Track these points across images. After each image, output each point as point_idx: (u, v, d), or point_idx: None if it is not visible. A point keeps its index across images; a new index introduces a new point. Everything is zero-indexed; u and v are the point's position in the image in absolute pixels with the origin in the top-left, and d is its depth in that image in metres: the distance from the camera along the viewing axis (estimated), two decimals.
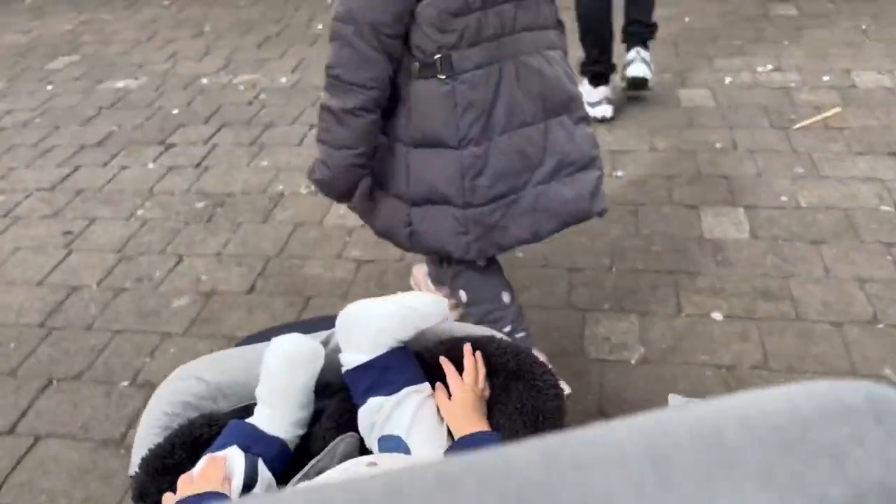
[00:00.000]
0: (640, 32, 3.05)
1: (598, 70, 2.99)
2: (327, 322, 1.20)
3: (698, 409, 0.24)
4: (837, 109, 2.88)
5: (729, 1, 4.06)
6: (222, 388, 1.16)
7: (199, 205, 2.61)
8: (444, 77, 1.41)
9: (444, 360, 1.14)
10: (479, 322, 1.65)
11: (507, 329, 1.65)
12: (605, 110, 2.97)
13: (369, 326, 1.11)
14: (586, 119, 1.61)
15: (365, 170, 1.51)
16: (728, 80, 3.20)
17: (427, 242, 1.57)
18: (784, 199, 2.41)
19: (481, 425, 1.04)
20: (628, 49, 3.07)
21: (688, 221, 2.33)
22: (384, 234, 1.63)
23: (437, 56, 1.40)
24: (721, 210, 2.38)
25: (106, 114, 3.34)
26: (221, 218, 2.53)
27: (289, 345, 1.12)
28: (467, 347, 1.14)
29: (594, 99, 2.97)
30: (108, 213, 2.60)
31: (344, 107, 1.41)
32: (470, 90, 1.42)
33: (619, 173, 2.62)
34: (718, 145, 2.72)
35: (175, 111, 3.30)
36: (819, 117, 2.84)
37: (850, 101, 2.93)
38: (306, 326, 1.23)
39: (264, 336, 1.24)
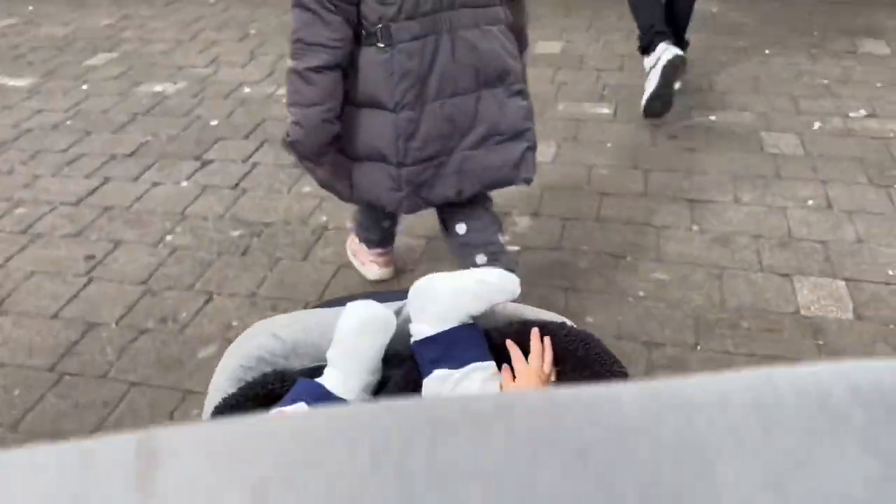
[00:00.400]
0: (676, 43, 3.00)
1: (655, 31, 2.90)
2: (401, 294, 1.24)
3: (806, 369, 0.24)
4: None
5: (811, 33, 3.76)
6: (297, 346, 1.18)
7: (235, 233, 2.38)
8: (383, 45, 1.54)
9: (510, 343, 1.14)
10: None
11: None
12: (670, 51, 2.84)
13: (441, 299, 1.14)
14: (522, 93, 1.69)
15: (334, 126, 1.59)
16: (817, 125, 2.91)
17: (365, 195, 1.71)
18: (891, 272, 2.12)
19: None
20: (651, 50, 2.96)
21: (781, 293, 2.06)
22: (327, 186, 1.77)
23: (378, 26, 1.52)
24: (819, 282, 2.09)
25: (141, 121, 3.14)
26: (258, 251, 2.30)
27: (363, 311, 1.13)
28: (535, 331, 1.14)
29: (652, 62, 2.89)
30: (134, 237, 2.38)
31: (309, 66, 1.51)
32: (406, 59, 1.54)
33: (697, 227, 2.34)
34: (811, 202, 2.44)
35: (214, 122, 3.09)
36: None
37: None
38: (380, 296, 1.25)
39: (340, 302, 1.25)
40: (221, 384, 1.14)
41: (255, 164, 2.76)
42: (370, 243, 2.10)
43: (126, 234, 2.40)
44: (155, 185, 2.67)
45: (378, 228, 2.04)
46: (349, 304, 1.16)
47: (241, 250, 2.30)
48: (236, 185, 2.64)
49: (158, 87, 3.44)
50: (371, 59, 1.55)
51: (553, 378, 1.11)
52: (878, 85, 3.21)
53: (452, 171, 1.66)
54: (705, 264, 2.19)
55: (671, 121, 2.96)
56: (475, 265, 1.77)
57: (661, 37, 2.89)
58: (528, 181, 1.75)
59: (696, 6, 3.51)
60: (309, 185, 2.63)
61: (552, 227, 2.37)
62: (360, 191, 1.70)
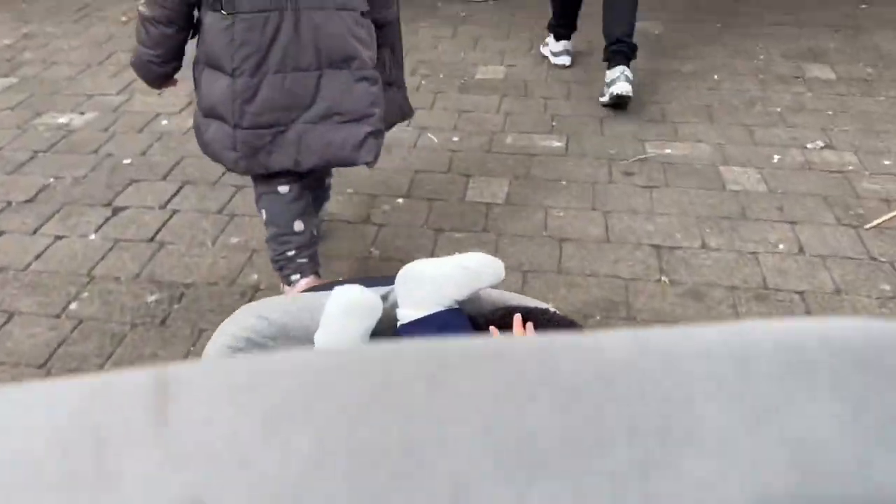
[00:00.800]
0: (624, 52, 3.07)
1: (560, 31, 3.49)
2: (387, 279, 1.26)
3: (782, 324, 0.25)
4: None
5: (757, 57, 3.68)
6: (285, 329, 1.20)
7: (151, 298, 2.08)
8: (226, 13, 1.65)
9: (493, 330, 1.16)
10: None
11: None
12: (565, 60, 3.52)
13: (427, 284, 1.17)
14: (369, 79, 1.77)
15: (162, 68, 1.77)
16: (776, 157, 2.79)
17: (211, 150, 1.82)
18: None
19: None
20: (611, 67, 3.06)
21: None
22: (195, 131, 1.89)
23: None
24: None
25: (41, 159, 2.78)
26: (179, 320, 2.00)
27: (350, 294, 1.16)
28: (517, 318, 1.16)
29: (557, 49, 3.54)
30: (32, 306, 2.05)
31: (146, 15, 1.68)
32: (247, 29, 1.65)
33: (667, 279, 2.16)
34: (782, 246, 2.30)
35: (127, 161, 2.76)
36: (892, 214, 2.44)
37: None
38: (367, 282, 1.27)
39: (327, 287, 1.28)
40: None
41: (174, 212, 2.45)
42: (290, 265, 1.90)
43: (22, 302, 2.06)
44: (57, 238, 2.33)
45: (292, 235, 1.90)
46: (337, 288, 1.18)
47: (159, 319, 2.00)
48: (153, 237, 2.33)
49: (63, 119, 3.07)
50: (214, 23, 1.66)
51: None
52: (829, 113, 3.13)
53: (292, 141, 1.76)
54: (681, 322, 2.01)
55: (626, 155, 2.80)
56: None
57: (569, 32, 3.51)
58: (368, 164, 1.86)
59: (641, 27, 3.48)
60: (237, 236, 2.34)
61: (512, 281, 2.15)
62: (208, 145, 1.82)
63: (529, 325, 1.16)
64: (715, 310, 2.04)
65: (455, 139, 2.93)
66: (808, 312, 2.03)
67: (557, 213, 2.47)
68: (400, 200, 2.54)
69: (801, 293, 2.10)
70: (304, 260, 1.90)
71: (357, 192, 2.58)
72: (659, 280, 2.16)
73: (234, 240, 2.32)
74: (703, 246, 2.30)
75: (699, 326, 0.25)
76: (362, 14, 1.75)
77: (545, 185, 2.62)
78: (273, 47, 1.66)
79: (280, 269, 1.92)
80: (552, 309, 1.24)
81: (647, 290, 2.12)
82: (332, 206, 2.49)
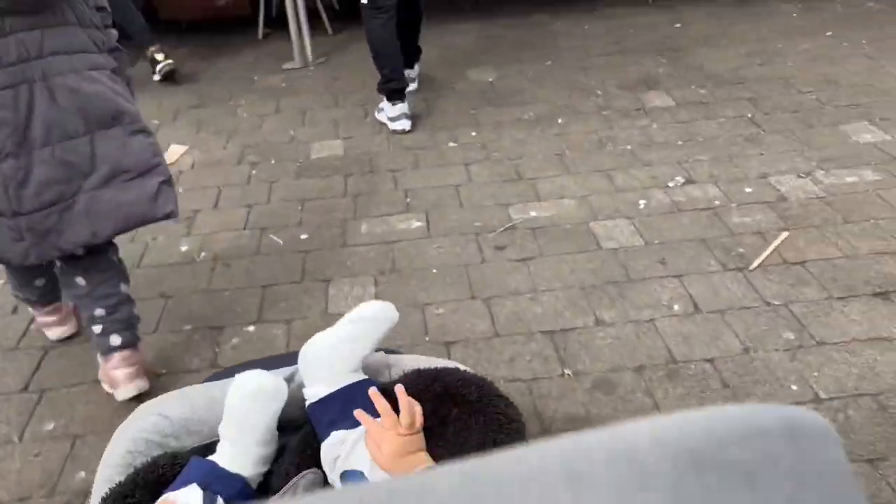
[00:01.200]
0: (411, 56, 3.54)
1: (393, 87, 3.24)
2: (291, 358, 1.21)
3: (616, 429, 0.24)
4: (785, 234, 2.41)
5: (595, 93, 3.61)
6: (187, 424, 1.15)
7: None
8: None
9: (358, 412, 1.08)
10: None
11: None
12: (405, 124, 3.27)
13: (328, 357, 1.14)
14: (144, 131, 1.74)
15: None
16: (642, 203, 2.66)
17: None
18: (795, 388, 1.84)
19: (417, 464, 1.00)
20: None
21: None
22: None
23: None
24: None
25: None
26: None
27: (252, 381, 1.11)
28: (373, 392, 1.10)
29: (394, 114, 3.27)
30: None
31: None
32: None
33: (569, 371, 1.93)
34: (676, 307, 2.13)
35: None
36: (770, 249, 2.35)
37: (791, 220, 2.49)
38: (271, 363, 1.23)
39: (229, 373, 1.21)
40: (108, 474, 1.09)
41: None
42: (30, 303, 2.03)
43: None
44: None
45: (31, 288, 1.97)
46: (237, 376, 1.13)
47: None
48: None
49: None
50: None
51: (419, 421, 1.06)
52: (679, 143, 3.07)
53: (81, 213, 1.66)
54: (596, 422, 1.77)
55: (492, 226, 2.57)
56: (94, 317, 1.80)
57: (402, 89, 3.27)
58: (170, 216, 1.77)
59: (474, 78, 3.43)
60: (51, 419, 1.87)
61: None
62: None
63: (398, 388, 1.09)
64: (630, 401, 1.83)
65: (303, 236, 2.59)
66: (724, 384, 1.86)
67: (435, 310, 2.18)
68: (250, 328, 2.16)
69: (710, 361, 1.93)
70: (48, 298, 2.02)
71: (196, 328, 2.17)
72: (562, 374, 1.92)
73: (49, 426, 1.85)
74: (597, 322, 2.10)
75: (531, 445, 0.23)
76: (113, 71, 1.72)
77: (414, 276, 2.34)
78: (32, 122, 1.57)
79: (22, 301, 2.05)
80: (462, 367, 1.21)
81: (554, 391, 1.87)
82: (166, 349, 2.08)
